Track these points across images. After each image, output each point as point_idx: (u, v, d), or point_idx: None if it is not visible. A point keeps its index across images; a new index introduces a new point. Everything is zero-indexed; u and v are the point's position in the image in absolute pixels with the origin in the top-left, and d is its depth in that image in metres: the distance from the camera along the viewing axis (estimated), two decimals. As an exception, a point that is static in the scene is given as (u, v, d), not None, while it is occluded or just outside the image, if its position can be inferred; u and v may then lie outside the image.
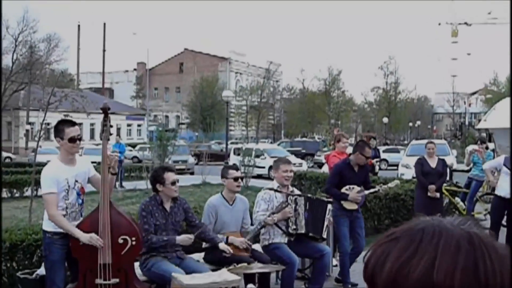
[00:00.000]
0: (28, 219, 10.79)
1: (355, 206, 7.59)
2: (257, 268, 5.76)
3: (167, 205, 6.06)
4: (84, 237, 5.09)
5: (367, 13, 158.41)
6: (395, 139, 76.29)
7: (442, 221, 0.90)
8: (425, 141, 14.90)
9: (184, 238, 6.00)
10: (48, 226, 5.30)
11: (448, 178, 13.64)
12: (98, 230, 5.13)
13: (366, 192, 7.69)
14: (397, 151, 37.51)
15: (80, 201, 5.43)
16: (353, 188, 7.58)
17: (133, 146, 43.27)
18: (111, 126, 5.48)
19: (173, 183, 6.06)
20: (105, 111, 5.41)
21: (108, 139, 5.43)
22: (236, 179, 6.73)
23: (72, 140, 5.30)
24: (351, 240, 7.87)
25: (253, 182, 19.56)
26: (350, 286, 7.54)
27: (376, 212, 11.42)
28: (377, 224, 11.58)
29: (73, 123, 5.45)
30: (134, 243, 5.24)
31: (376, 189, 7.88)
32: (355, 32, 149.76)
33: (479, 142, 13.61)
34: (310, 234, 6.97)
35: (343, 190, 7.57)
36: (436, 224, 0.90)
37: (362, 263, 0.98)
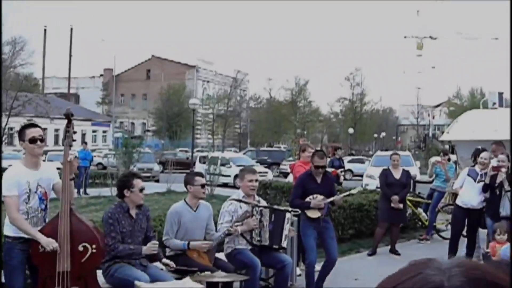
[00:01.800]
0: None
1: (318, 214, 7.61)
2: (220, 277, 5.74)
3: (133, 212, 6.02)
4: (44, 240, 5.00)
5: (334, 24, 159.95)
6: (360, 149, 76.91)
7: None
8: (389, 152, 15.10)
9: (149, 247, 5.95)
10: (9, 230, 5.21)
11: (411, 189, 13.83)
12: (57, 237, 5.06)
13: (328, 200, 7.71)
14: (362, 162, 37.79)
15: (43, 206, 5.34)
16: (316, 197, 7.62)
17: (99, 152, 42.84)
18: (75, 132, 5.43)
19: (141, 190, 6.04)
20: (68, 117, 5.36)
21: (71, 145, 5.37)
22: (203, 185, 6.75)
23: (33, 140, 5.19)
24: (324, 251, 7.92)
25: (218, 191, 19.53)
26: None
27: (340, 222, 11.49)
28: (341, 234, 11.63)
29: (34, 125, 5.38)
30: (94, 251, 5.19)
31: (333, 198, 7.88)
32: (322, 43, 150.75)
33: (441, 154, 13.82)
34: (273, 246, 6.99)
35: (306, 199, 7.61)
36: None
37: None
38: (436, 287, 0.73)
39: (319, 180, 7.73)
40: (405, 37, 66.82)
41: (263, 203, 7.33)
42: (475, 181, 9.40)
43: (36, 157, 5.36)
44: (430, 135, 74.66)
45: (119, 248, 5.79)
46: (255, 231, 6.88)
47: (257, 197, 7.21)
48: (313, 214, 7.61)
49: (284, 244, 7.16)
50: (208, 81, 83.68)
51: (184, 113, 67.23)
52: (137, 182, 6.03)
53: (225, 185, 24.52)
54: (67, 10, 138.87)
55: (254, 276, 6.56)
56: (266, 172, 28.12)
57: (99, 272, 5.73)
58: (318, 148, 11.41)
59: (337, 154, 18.67)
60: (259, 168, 25.61)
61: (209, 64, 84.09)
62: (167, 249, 6.58)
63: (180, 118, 68.32)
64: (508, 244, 7.03)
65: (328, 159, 16.52)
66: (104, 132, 70.00)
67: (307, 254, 7.79)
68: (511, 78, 13.47)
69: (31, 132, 5.22)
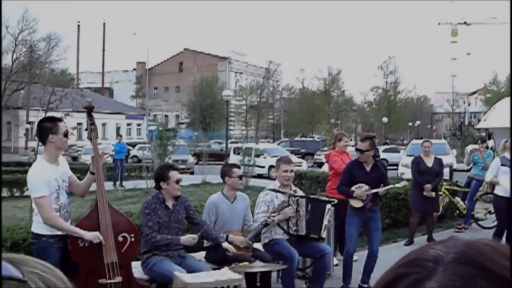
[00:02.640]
0: (28, 218, 10.77)
1: (360, 204, 7.51)
2: (258, 267, 5.77)
3: (170, 203, 6.07)
4: (89, 234, 5.01)
5: (367, 13, 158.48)
6: (395, 138, 76.26)
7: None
8: (422, 140, 14.89)
9: (188, 239, 6.00)
10: (41, 229, 5.11)
11: (448, 177, 13.66)
12: (98, 230, 5.09)
13: (373, 191, 7.55)
14: (397, 151, 37.47)
15: (69, 200, 5.32)
16: (362, 186, 7.50)
17: (133, 145, 43.30)
18: (93, 126, 5.38)
19: (177, 181, 6.08)
20: (89, 110, 5.38)
21: (96, 138, 5.40)
22: (240, 177, 6.79)
23: (67, 134, 5.16)
24: (367, 242, 7.86)
25: (253, 182, 19.57)
26: (350, 286, 7.52)
27: (377, 211, 11.40)
28: (377, 224, 11.58)
29: (60, 119, 5.32)
30: (133, 239, 5.24)
31: (376, 190, 7.74)
32: (355, 32, 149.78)
33: (479, 142, 13.61)
34: (311, 235, 6.97)
35: (352, 188, 7.51)
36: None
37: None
38: (430, 259, 0.72)
39: (368, 168, 7.57)
40: (439, 23, 65.67)
41: (300, 193, 7.32)
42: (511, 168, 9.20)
43: (60, 152, 5.30)
44: (466, 123, 73.66)
45: (157, 238, 5.84)
46: (292, 220, 6.87)
47: (293, 187, 7.20)
48: (356, 203, 7.53)
49: (323, 234, 7.13)
50: (240, 73, 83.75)
51: (217, 105, 67.44)
52: (173, 174, 6.07)
53: (259, 176, 24.58)
54: (100, 5, 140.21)
55: (291, 267, 6.56)
56: (301, 163, 28.07)
57: (138, 264, 5.80)
58: (352, 137, 11.32)
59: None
60: (293, 158, 25.57)
61: (241, 56, 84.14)
62: (205, 241, 6.61)
63: (213, 110, 68.55)
64: None
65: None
66: (138, 125, 70.71)
67: (346, 243, 7.72)
68: (511, 77, 13.15)
69: (64, 126, 5.16)
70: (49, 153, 5.18)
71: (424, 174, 10.52)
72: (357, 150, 7.62)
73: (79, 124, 25.90)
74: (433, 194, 10.50)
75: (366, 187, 7.45)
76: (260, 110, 71.66)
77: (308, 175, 16.86)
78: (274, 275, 7.00)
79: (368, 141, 7.59)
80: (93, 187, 5.36)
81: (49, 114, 11.72)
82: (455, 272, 0.69)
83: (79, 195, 5.43)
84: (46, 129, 5.11)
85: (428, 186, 10.33)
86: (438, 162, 10.81)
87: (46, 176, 5.04)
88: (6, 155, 30.40)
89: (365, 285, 7.54)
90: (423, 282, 0.69)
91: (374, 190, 7.54)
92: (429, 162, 10.66)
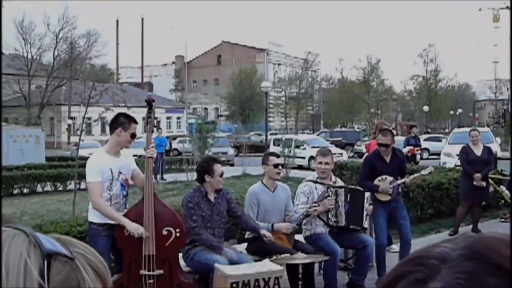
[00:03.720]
0: (71, 212, 10.96)
1: (387, 198, 7.47)
2: (300, 258, 5.74)
3: (211, 197, 6.06)
4: (132, 226, 5.12)
5: (406, 0, 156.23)
6: (436, 127, 75.22)
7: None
8: (467, 129, 14.65)
9: (230, 254, 5.91)
10: (93, 217, 5.36)
11: (493, 166, 13.39)
12: (142, 222, 5.16)
13: (398, 182, 7.53)
14: (439, 140, 36.95)
15: (125, 192, 5.49)
16: (385, 178, 7.46)
17: (173, 138, 43.67)
18: (156, 118, 5.55)
19: (221, 175, 6.09)
20: (149, 103, 5.52)
21: (152, 131, 5.53)
22: (276, 165, 6.69)
23: (134, 136, 5.46)
24: (397, 233, 7.79)
25: (294, 173, 19.52)
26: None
27: (419, 201, 11.26)
28: (420, 214, 11.43)
29: (136, 121, 5.55)
30: (178, 234, 5.26)
31: (403, 181, 7.69)
32: (394, 20, 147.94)
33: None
34: (351, 227, 6.91)
35: (375, 181, 7.46)
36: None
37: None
38: (435, 257, 0.66)
39: (387, 159, 7.54)
40: (480, 9, 64.39)
41: (340, 183, 7.24)
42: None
43: (122, 148, 5.53)
44: (510, 110, 72.12)
45: (203, 236, 5.81)
46: (331, 211, 6.81)
47: (333, 178, 7.13)
48: (383, 197, 7.47)
49: (365, 224, 7.08)
50: (279, 64, 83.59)
51: (256, 97, 67.50)
52: (218, 167, 6.06)
53: (300, 167, 24.51)
54: (138, 1, 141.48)
55: (334, 262, 6.52)
56: (341, 153, 27.89)
57: (179, 255, 5.82)
58: (391, 127, 11.22)
59: (413, 132, 18.32)
60: (333, 149, 25.41)
61: (279, 47, 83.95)
62: (247, 232, 6.59)
63: (252, 102, 68.62)
64: None
65: (404, 138, 16.25)
66: (178, 118, 71.21)
67: (377, 235, 7.66)
68: (511, 77, 12.82)
69: (135, 128, 5.47)
70: (110, 145, 5.50)
71: (473, 164, 10.34)
72: (380, 145, 7.55)
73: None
74: (484, 183, 10.31)
75: (390, 178, 7.40)
76: (299, 101, 71.48)
77: (348, 165, 16.74)
78: (316, 266, 6.95)
79: (390, 134, 7.57)
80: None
81: (90, 109, 11.84)
82: (461, 269, 0.63)
83: (140, 188, 5.53)
84: (119, 122, 5.42)
85: (478, 175, 10.15)
86: (487, 151, 10.62)
87: (101, 164, 5.31)
88: (49, 151, 30.96)
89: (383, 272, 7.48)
90: (426, 282, 0.64)
91: (400, 181, 7.50)
92: (478, 151, 10.47)
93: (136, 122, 5.50)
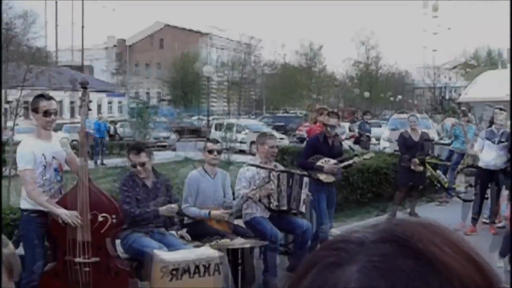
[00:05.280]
0: (6, 199, 10.62)
1: (332, 178, 7.54)
2: (239, 243, 5.71)
3: (149, 182, 5.96)
4: (65, 213, 4.98)
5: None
6: (377, 113, 76.42)
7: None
8: (406, 115, 14.91)
9: (167, 209, 5.90)
10: (25, 204, 5.20)
11: (430, 151, 13.68)
12: (77, 208, 5.03)
13: (342, 165, 7.64)
14: (379, 125, 37.50)
15: (59, 178, 5.32)
16: (328, 161, 7.53)
17: (115, 123, 42.95)
18: (90, 101, 5.38)
19: (143, 164, 5.93)
20: (84, 86, 5.32)
21: (87, 115, 5.34)
22: (210, 151, 6.62)
23: (47, 114, 5.17)
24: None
25: (235, 157, 19.48)
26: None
27: (359, 185, 11.42)
28: (359, 198, 11.59)
29: (48, 98, 5.32)
30: (114, 221, 5.15)
31: (350, 162, 7.83)
32: (336, 7, 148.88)
33: (461, 115, 13.62)
34: (292, 211, 6.94)
35: (318, 163, 7.52)
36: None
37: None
38: (353, 241, 0.64)
39: (331, 142, 7.62)
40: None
41: (280, 168, 7.25)
42: (494, 142, 9.30)
43: (49, 130, 5.32)
44: (447, 97, 73.97)
45: (136, 212, 5.75)
46: (273, 196, 6.81)
47: (273, 162, 7.13)
48: (327, 178, 7.53)
49: (303, 208, 7.12)
50: (222, 48, 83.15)
51: (199, 81, 66.98)
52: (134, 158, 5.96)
53: (241, 151, 24.50)
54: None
55: (274, 246, 6.55)
56: (283, 138, 28.00)
57: (117, 242, 5.71)
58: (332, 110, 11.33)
59: (366, 118, 18.64)
60: (276, 134, 25.54)
61: (222, 31, 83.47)
62: (185, 218, 6.53)
63: (195, 86, 68.04)
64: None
65: (358, 123, 16.36)
66: (119, 102, 70.02)
67: (321, 219, 7.73)
68: (511, 75, 13.23)
69: (46, 105, 5.18)
70: (38, 129, 5.30)
71: (411, 149, 10.54)
72: (325, 125, 7.61)
73: (60, 102, 25.60)
74: (421, 168, 10.53)
75: (333, 161, 7.47)
76: (242, 86, 71.38)
77: (290, 150, 16.81)
78: (256, 251, 6.95)
79: (336, 117, 7.68)
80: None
81: (28, 93, 11.50)
82: (377, 252, 0.61)
83: (75, 173, 5.36)
84: (32, 105, 5.22)
85: (416, 160, 10.35)
86: (425, 136, 10.84)
87: (32, 150, 5.11)
88: (-16, 135, 30.06)
89: None
90: (342, 266, 0.61)
91: (347, 163, 7.62)
92: (416, 136, 10.68)
93: (47, 99, 5.26)
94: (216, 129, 28.82)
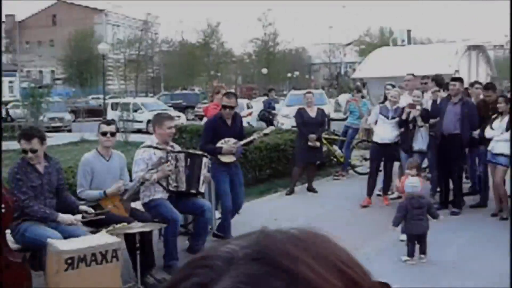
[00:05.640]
0: None
1: (232, 158, 7.55)
2: (137, 227, 5.59)
3: (40, 167, 5.73)
4: None
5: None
6: (274, 89, 77.35)
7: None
8: (303, 91, 15.14)
9: (67, 219, 5.68)
10: None
11: (326, 127, 14.00)
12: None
13: (242, 142, 7.67)
14: (277, 102, 37.93)
15: None
16: (228, 141, 7.53)
17: (5, 104, 41.12)
18: None
19: (34, 151, 5.68)
20: None
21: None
22: (104, 133, 6.45)
23: None
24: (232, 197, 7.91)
25: (133, 137, 19.15)
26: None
27: (258, 163, 11.51)
28: (258, 175, 11.70)
29: None
30: (3, 210, 4.91)
31: (252, 138, 7.88)
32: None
33: (355, 91, 13.98)
34: (191, 191, 6.90)
35: (218, 144, 7.49)
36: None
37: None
38: (221, 258, 0.60)
39: (229, 122, 7.61)
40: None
41: (177, 148, 7.18)
42: (388, 118, 9.63)
43: None
44: (342, 72, 75.93)
45: (34, 208, 5.50)
46: (171, 177, 6.74)
47: (171, 143, 7.04)
48: (227, 158, 7.53)
49: (202, 189, 7.10)
50: (118, 25, 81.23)
51: (94, 59, 65.02)
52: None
53: (139, 131, 24.11)
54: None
55: (174, 229, 6.49)
56: (179, 116, 27.75)
57: (7, 232, 5.46)
58: (232, 90, 11.36)
59: (271, 95, 18.71)
60: (172, 112, 25.30)
61: (118, 8, 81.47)
62: (82, 202, 6.33)
63: (90, 65, 66.12)
64: (412, 178, 7.21)
65: (265, 98, 16.53)
66: (10, 82, 67.02)
67: (222, 200, 7.75)
68: (511, 76, 13.73)
69: None
70: None
71: (308, 125, 10.71)
72: (224, 107, 7.59)
73: None
74: (318, 144, 10.74)
75: (233, 140, 7.49)
76: (139, 63, 70.15)
77: (188, 128, 16.67)
78: (155, 233, 6.86)
79: (234, 97, 7.66)
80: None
81: None
82: (244, 271, 0.58)
83: None
84: None
85: (313, 136, 10.54)
86: (321, 113, 11.05)
87: None
88: None
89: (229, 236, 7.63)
90: (207, 287, 0.58)
91: (245, 141, 7.65)
92: (312, 112, 10.86)
93: None
94: (112, 108, 28.18)
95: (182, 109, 34.26)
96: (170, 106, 31.09)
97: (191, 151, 7.54)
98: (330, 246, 0.63)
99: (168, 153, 6.75)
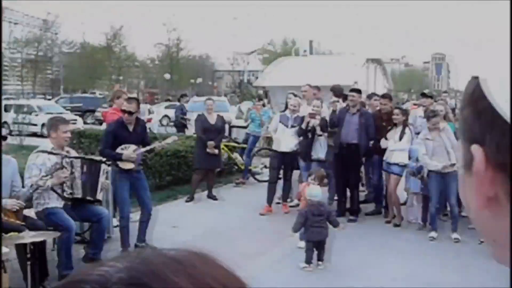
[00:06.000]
0: None
1: (131, 165, 7.39)
2: (29, 236, 5.34)
3: None
4: None
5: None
6: (177, 95, 76.96)
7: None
8: (204, 98, 15.14)
9: None
10: None
11: (227, 134, 14.03)
12: None
13: (143, 149, 7.53)
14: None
15: None
16: (128, 147, 7.37)
17: None
18: None
19: None
20: None
21: None
22: None
23: None
24: (138, 203, 7.76)
25: (28, 141, 18.43)
26: (129, 249, 7.39)
27: (158, 169, 11.36)
28: (158, 182, 11.53)
29: None
30: None
31: (152, 146, 7.75)
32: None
33: (256, 99, 14.09)
34: (87, 198, 6.69)
35: (118, 150, 7.32)
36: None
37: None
38: (93, 281, 0.57)
39: (131, 128, 7.45)
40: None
41: (73, 153, 6.95)
42: (287, 126, 9.76)
43: None
44: (245, 80, 76.54)
45: None
46: (67, 183, 6.51)
47: (66, 148, 6.79)
48: (126, 165, 7.36)
49: (100, 196, 6.90)
50: (15, 23, 78.16)
51: (-11, 58, 62.48)
52: None
53: (34, 134, 23.25)
54: None
55: (68, 239, 6.27)
56: (75, 120, 26.99)
57: None
58: (134, 95, 11.17)
59: (183, 101, 18.58)
60: (69, 116, 24.59)
61: (16, 5, 78.40)
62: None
63: (-16, 64, 63.35)
64: (313, 186, 7.35)
65: (146, 105, 16.25)
66: None
67: (120, 207, 7.58)
68: (511, 78, 14.13)
69: None
70: None
71: (207, 132, 10.71)
72: (123, 111, 7.45)
73: None
74: (216, 151, 10.73)
75: (133, 147, 7.34)
76: (38, 64, 67.82)
77: (87, 133, 16.23)
78: (49, 242, 6.60)
79: (135, 102, 7.51)
80: None
81: None
82: None
83: None
84: None
85: (212, 143, 10.54)
86: (221, 119, 11.06)
87: None
88: None
89: (142, 244, 7.49)
90: None
91: (145, 148, 7.53)
92: (212, 119, 10.87)
93: None
94: (6, 110, 27.04)
95: (81, 112, 33.37)
96: (69, 110, 30.19)
97: (88, 157, 7.33)
98: (209, 267, 0.61)
99: (63, 158, 6.52)
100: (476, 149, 0.63)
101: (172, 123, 19.73)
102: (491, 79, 0.62)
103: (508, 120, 0.58)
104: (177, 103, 21.17)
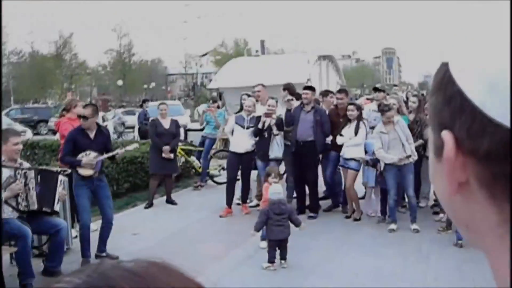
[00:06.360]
0: None
1: (90, 172, 7.28)
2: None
3: None
4: None
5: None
6: (131, 101, 76.26)
7: None
8: (157, 102, 15.05)
9: None
10: None
11: (183, 137, 13.97)
12: None
13: (103, 156, 7.44)
14: (133, 113, 37.41)
15: None
16: (89, 154, 7.28)
17: None
18: None
19: None
20: None
21: None
22: None
23: None
24: (99, 211, 7.65)
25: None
26: (90, 259, 7.27)
27: (114, 177, 11.22)
28: (116, 189, 11.38)
29: None
30: None
31: (114, 153, 7.66)
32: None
33: (211, 102, 14.05)
34: (44, 209, 6.55)
35: (79, 156, 7.23)
36: None
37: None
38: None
39: (92, 135, 7.37)
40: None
41: (26, 165, 6.81)
42: (243, 127, 9.76)
43: None
44: (199, 83, 76.33)
45: None
46: (21, 196, 6.37)
47: (19, 160, 6.65)
48: (86, 172, 7.26)
49: (57, 207, 6.78)
50: (-41, 36, 76.39)
51: None
52: None
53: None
54: None
55: (24, 246, 6.12)
56: (24, 131, 26.48)
57: None
58: (89, 102, 11.05)
59: (145, 107, 18.45)
60: (18, 127, 24.13)
61: (-42, 17, 76.54)
62: None
63: None
64: (275, 185, 7.36)
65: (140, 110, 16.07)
66: None
67: (80, 215, 7.45)
68: (511, 78, 14.20)
69: None
70: None
71: (162, 136, 10.65)
72: (79, 116, 7.38)
73: None
74: (172, 155, 10.67)
75: (94, 154, 7.25)
76: (-15, 76, 66.37)
77: (41, 143, 15.95)
78: (6, 258, 6.45)
79: (91, 107, 7.46)
80: None
81: None
82: None
83: None
84: None
85: (167, 147, 10.49)
86: (175, 124, 11.00)
87: None
88: None
89: (103, 254, 7.40)
90: None
91: (104, 156, 7.44)
92: (166, 124, 10.81)
93: None
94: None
95: (34, 123, 32.78)
96: (20, 122, 29.59)
97: (42, 167, 7.18)
98: (169, 278, 0.59)
99: (16, 170, 6.38)
100: (446, 135, 0.63)
101: (128, 130, 19.44)
102: (460, 65, 0.62)
103: (479, 106, 0.58)
104: (138, 109, 20.95)
